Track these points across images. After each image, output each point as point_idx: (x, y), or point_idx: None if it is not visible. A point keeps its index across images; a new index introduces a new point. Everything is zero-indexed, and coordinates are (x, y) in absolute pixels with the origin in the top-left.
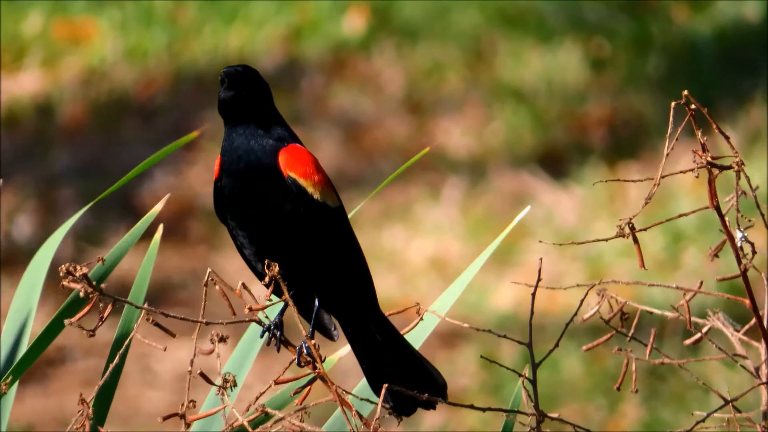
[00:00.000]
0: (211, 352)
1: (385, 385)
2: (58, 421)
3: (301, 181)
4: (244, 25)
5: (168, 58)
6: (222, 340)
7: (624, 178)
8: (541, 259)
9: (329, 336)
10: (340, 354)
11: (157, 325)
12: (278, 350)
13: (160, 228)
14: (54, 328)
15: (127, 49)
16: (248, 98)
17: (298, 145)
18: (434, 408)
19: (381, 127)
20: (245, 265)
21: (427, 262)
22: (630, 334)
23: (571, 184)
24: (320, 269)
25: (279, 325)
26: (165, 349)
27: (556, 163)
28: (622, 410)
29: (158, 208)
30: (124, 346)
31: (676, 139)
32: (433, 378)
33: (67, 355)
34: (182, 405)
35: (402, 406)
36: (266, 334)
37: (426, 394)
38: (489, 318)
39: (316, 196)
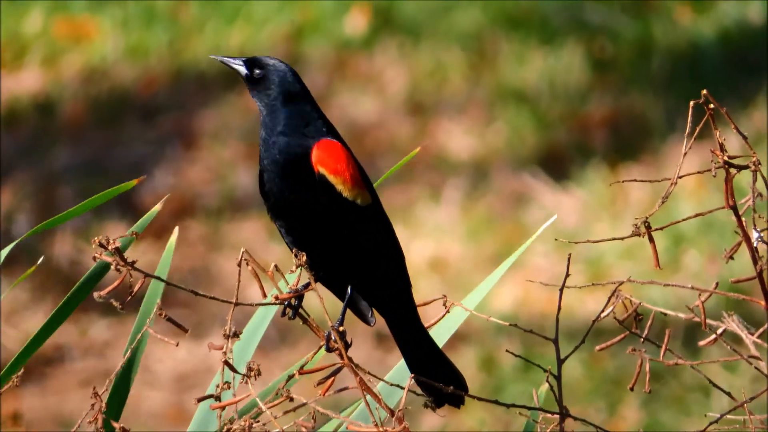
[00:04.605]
0: (223, 347)
1: (411, 376)
2: (56, 421)
3: (331, 178)
4: (246, 23)
5: (169, 57)
6: (235, 335)
7: (625, 179)
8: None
9: (366, 321)
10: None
11: (169, 320)
12: (292, 318)
13: (176, 231)
14: (52, 325)
15: (128, 47)
16: (290, 90)
17: (332, 140)
18: (462, 403)
19: (383, 127)
20: (243, 267)
21: (428, 263)
22: (644, 336)
23: (572, 186)
24: (351, 264)
25: (298, 296)
26: (177, 345)
27: (557, 164)
28: (621, 413)
29: (158, 207)
30: (136, 341)
31: (670, 140)
32: (457, 375)
33: (65, 354)
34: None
35: (435, 398)
36: (285, 308)
37: (451, 387)
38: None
39: (346, 193)
